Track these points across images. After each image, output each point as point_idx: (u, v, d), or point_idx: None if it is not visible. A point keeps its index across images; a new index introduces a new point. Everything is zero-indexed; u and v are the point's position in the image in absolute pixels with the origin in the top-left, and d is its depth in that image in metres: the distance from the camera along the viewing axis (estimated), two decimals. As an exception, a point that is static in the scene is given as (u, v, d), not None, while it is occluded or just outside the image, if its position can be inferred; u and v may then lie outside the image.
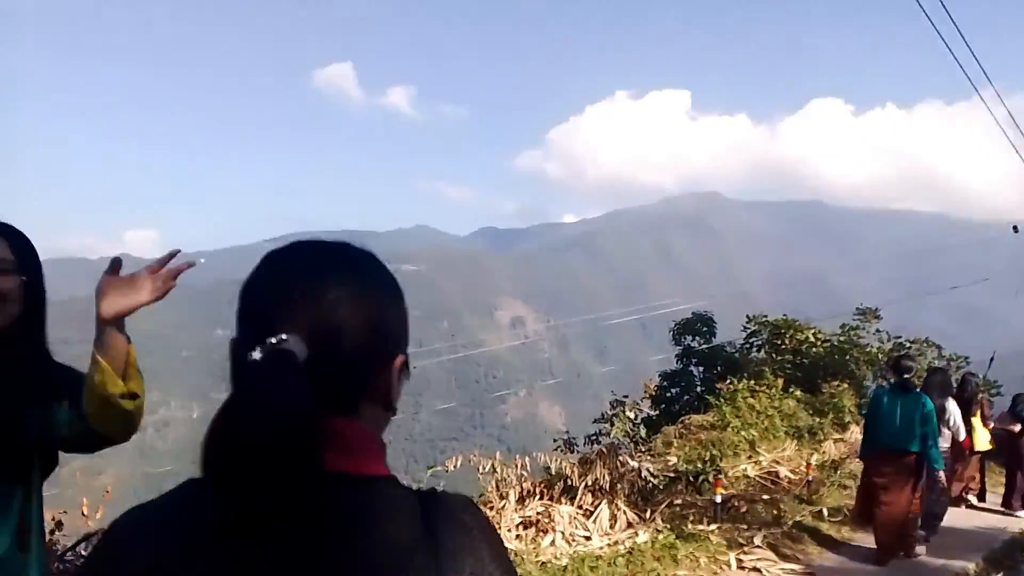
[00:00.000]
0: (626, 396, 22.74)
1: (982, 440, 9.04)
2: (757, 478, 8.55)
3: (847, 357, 20.14)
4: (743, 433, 11.57)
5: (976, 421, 9.00)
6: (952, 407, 6.98)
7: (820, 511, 6.72)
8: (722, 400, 13.55)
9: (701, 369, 21.54)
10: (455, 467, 6.43)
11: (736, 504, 6.94)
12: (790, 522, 6.38)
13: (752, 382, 14.01)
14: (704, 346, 22.22)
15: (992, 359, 20.47)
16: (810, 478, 7.74)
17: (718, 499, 6.41)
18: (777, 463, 9.04)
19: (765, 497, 7.19)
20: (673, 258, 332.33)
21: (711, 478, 7.92)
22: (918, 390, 6.35)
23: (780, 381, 14.72)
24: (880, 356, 20.49)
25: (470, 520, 0.85)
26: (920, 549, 6.34)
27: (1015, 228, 22.12)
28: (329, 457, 0.77)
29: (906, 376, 6.30)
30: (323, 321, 0.82)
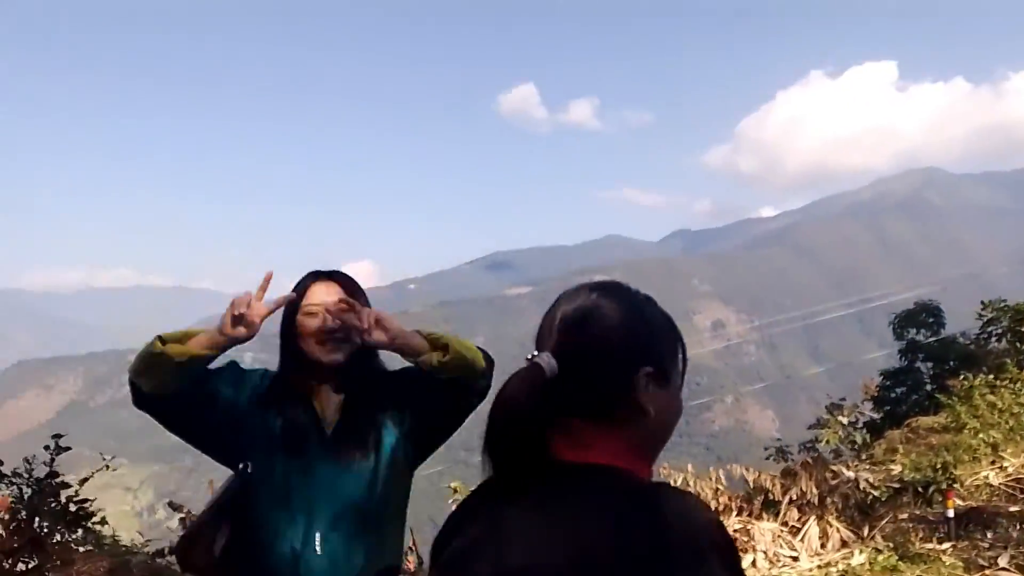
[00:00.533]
0: (843, 399, 21.14)
1: None
2: (1002, 487, 7.41)
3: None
4: (982, 435, 10.25)
5: None
6: None
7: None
8: (955, 399, 12.13)
9: (929, 365, 19.48)
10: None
11: (976, 518, 6.02)
12: (1046, 540, 5.39)
13: (991, 376, 12.38)
14: (932, 339, 20.09)
15: None
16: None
17: (951, 513, 5.56)
18: (1026, 469, 7.80)
19: (1013, 509, 6.16)
20: (890, 245, 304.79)
21: (943, 487, 7.01)
22: None
23: (1025, 373, 12.87)
24: None
25: (670, 510, 0.93)
26: None
27: None
28: (564, 449, 1.01)
29: None
30: (567, 343, 1.05)
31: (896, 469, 7.81)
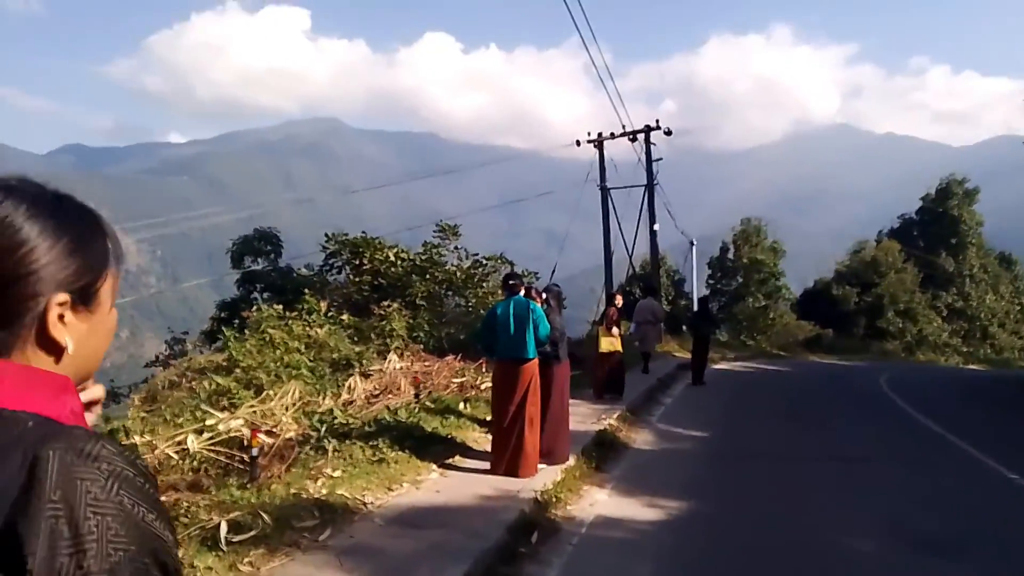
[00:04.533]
0: (185, 333, 18.67)
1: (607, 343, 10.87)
2: (206, 452, 5.52)
3: (426, 276, 18.61)
4: (249, 375, 8.64)
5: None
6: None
7: (218, 527, 3.85)
8: (246, 332, 10.50)
9: (267, 296, 18.40)
10: None
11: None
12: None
13: (280, 307, 11.10)
14: (268, 268, 19.00)
15: (553, 271, 20.90)
16: (255, 452, 4.89)
17: None
18: (251, 423, 6.10)
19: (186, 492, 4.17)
20: (294, 184, 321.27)
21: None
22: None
23: (324, 304, 12.11)
24: (459, 274, 19.34)
25: (66, 455, 0.78)
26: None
27: (577, 142, 22.91)
28: None
29: (511, 282, 6.57)
30: None
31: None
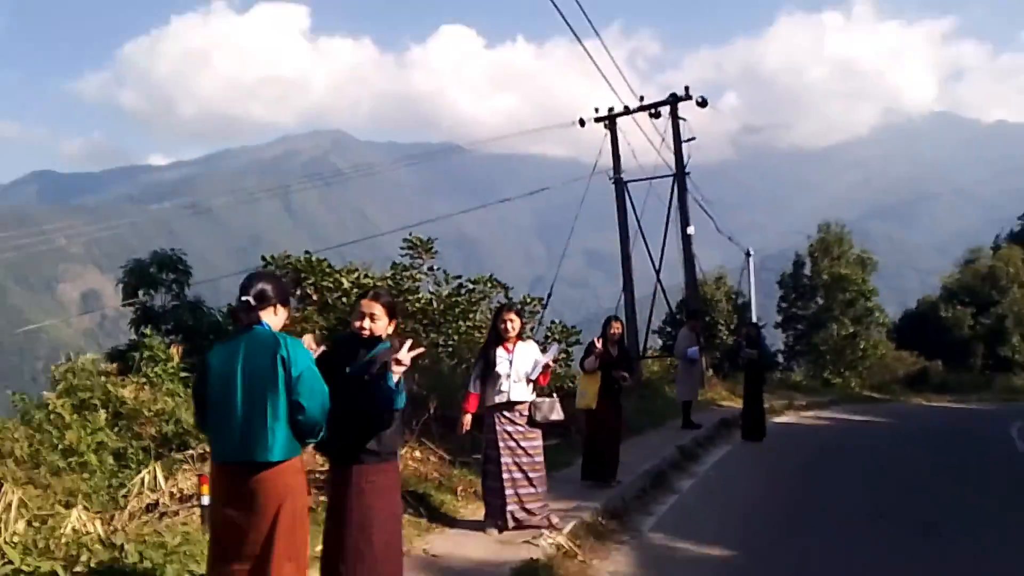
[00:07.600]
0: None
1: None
2: None
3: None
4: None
5: None
6: None
7: None
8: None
9: (174, 339, 16.38)
10: None
11: None
12: None
13: (92, 358, 8.89)
14: (172, 303, 16.98)
15: (549, 294, 18.89)
16: None
17: None
18: None
19: None
20: (294, 208, 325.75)
21: None
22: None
23: (177, 350, 9.95)
24: (436, 303, 17.21)
25: None
26: None
27: (580, 121, 20.64)
28: None
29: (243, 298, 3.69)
30: None
31: None
